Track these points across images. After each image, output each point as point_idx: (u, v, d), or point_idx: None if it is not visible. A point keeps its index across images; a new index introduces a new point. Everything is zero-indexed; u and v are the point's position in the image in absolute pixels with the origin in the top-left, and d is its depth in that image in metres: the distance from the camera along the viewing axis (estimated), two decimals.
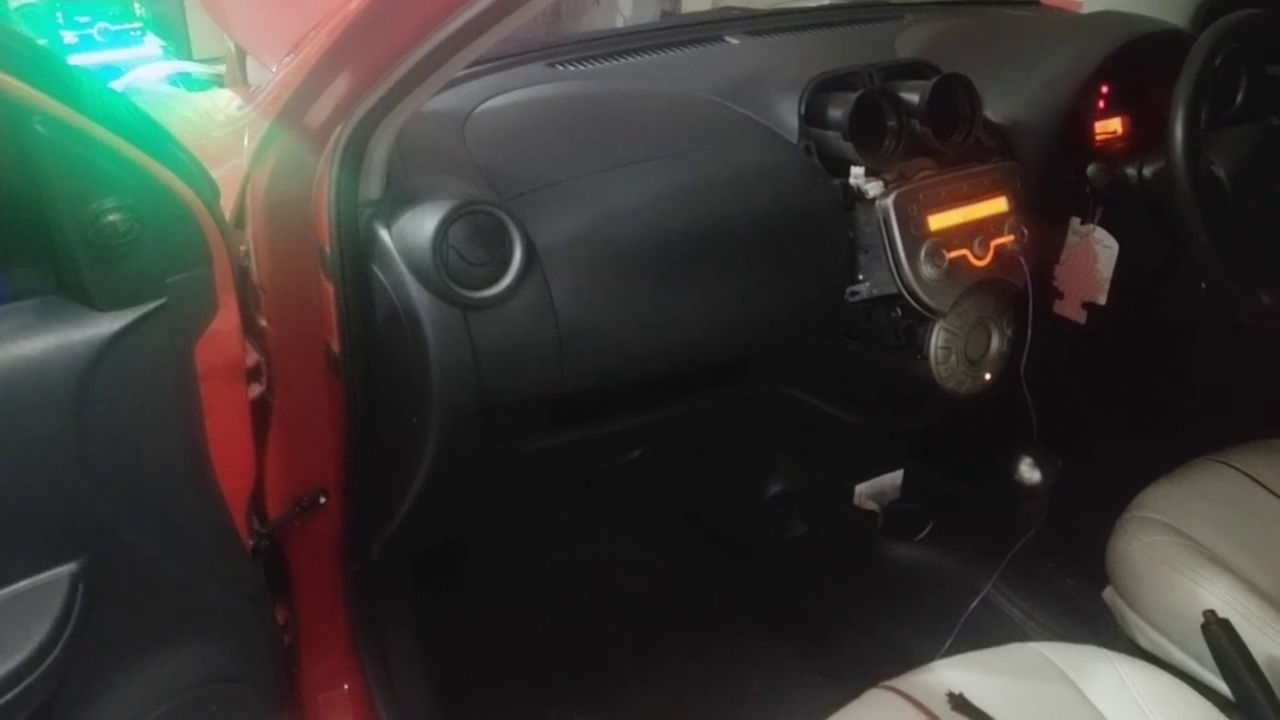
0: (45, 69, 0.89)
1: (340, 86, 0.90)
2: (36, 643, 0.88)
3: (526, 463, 1.14)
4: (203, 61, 1.37)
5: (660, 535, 1.74)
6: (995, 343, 1.24)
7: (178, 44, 1.39)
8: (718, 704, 1.47)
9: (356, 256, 0.98)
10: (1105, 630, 1.35)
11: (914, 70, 1.26)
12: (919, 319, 1.19)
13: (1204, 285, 1.29)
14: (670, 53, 1.38)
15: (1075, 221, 1.35)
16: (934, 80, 1.17)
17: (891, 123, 1.17)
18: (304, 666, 1.22)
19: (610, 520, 1.70)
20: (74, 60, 1.10)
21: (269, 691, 1.08)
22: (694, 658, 1.52)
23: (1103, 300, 1.34)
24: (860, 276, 1.18)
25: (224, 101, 1.25)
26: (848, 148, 1.15)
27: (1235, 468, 1.30)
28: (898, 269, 1.15)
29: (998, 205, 1.21)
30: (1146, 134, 1.36)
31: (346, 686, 1.23)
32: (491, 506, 1.26)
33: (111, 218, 0.88)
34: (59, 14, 1.47)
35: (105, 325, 0.90)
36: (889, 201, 1.15)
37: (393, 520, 1.13)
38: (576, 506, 1.60)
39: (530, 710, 1.45)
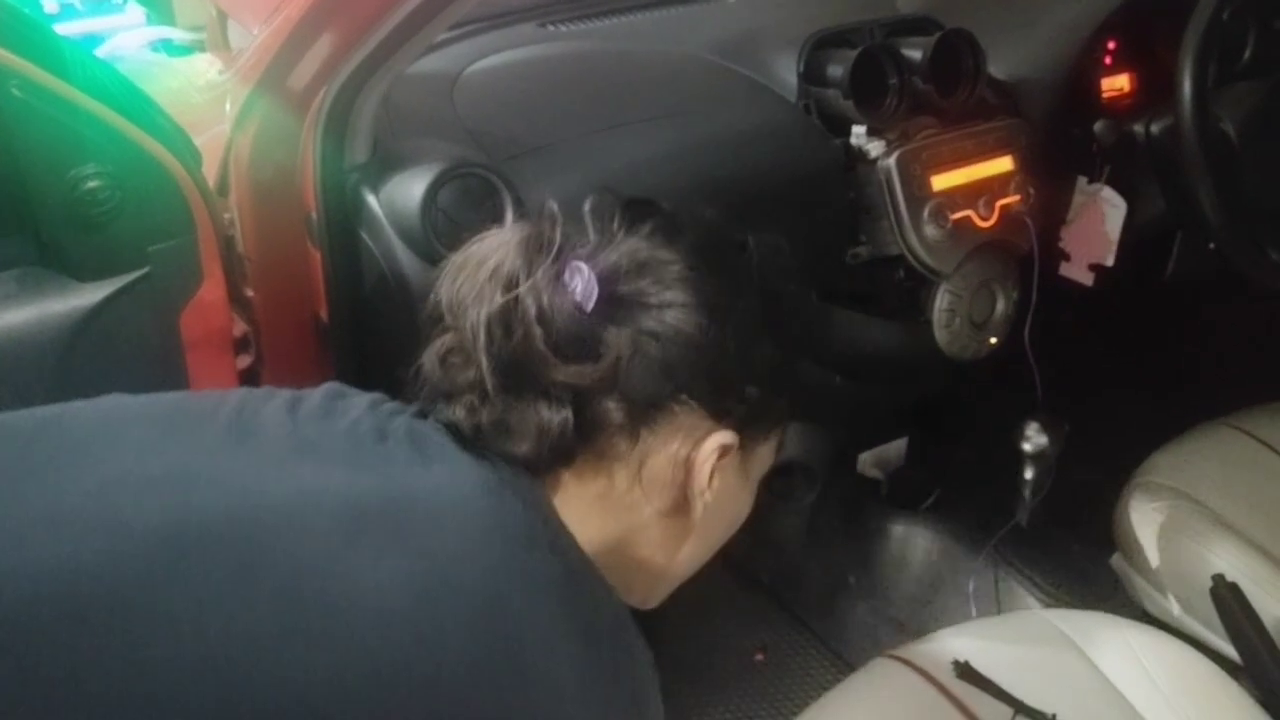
0: (22, 33, 0.87)
1: (323, 48, 0.88)
2: None
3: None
4: (186, 29, 1.34)
5: None
6: (1000, 306, 1.22)
7: (160, 11, 1.36)
8: (722, 675, 1.46)
9: (343, 222, 0.96)
10: (1113, 596, 1.34)
11: (916, 26, 1.23)
12: (922, 281, 1.17)
13: (1212, 244, 1.27)
14: (664, 10, 1.35)
15: (1082, 181, 1.32)
16: (937, 36, 1.14)
17: (893, 80, 1.15)
18: None
19: None
20: (56, 29, 1.07)
21: None
22: (697, 628, 1.51)
23: (1110, 261, 1.32)
24: (861, 238, 1.16)
25: (206, 66, 1.22)
26: (848, 106, 1.13)
27: (1243, 430, 1.28)
28: (900, 230, 1.13)
29: (1003, 164, 1.19)
30: (1154, 90, 1.33)
31: None
32: None
33: (91, 185, 0.87)
34: None
35: (88, 296, 0.89)
36: (891, 161, 1.12)
37: None
38: None
39: None
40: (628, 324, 0.62)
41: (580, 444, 0.63)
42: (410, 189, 0.93)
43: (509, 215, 0.95)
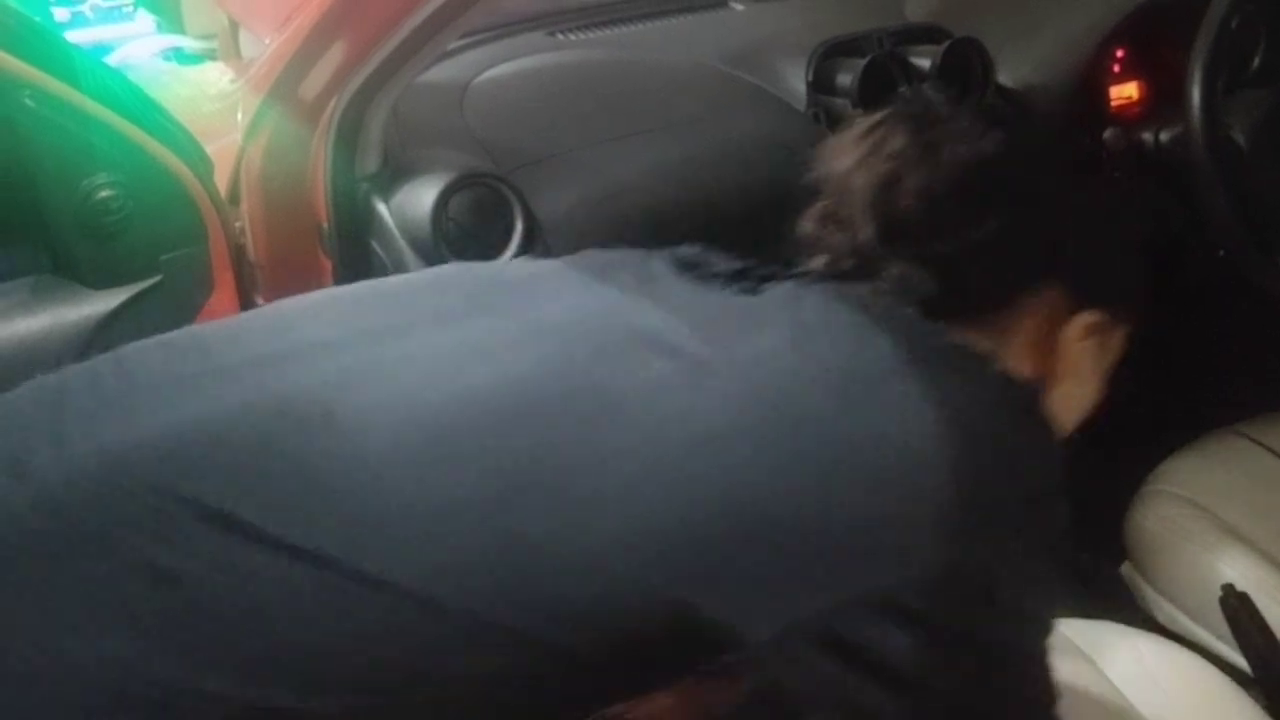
0: (34, 44, 0.87)
1: (334, 57, 0.88)
2: None
3: None
4: (196, 38, 1.35)
5: None
6: None
7: (170, 20, 1.37)
8: None
9: (355, 232, 0.96)
10: (1123, 606, 1.34)
11: (925, 34, 1.23)
12: None
13: (1222, 252, 1.26)
14: (673, 19, 1.35)
15: None
16: (945, 44, 1.14)
17: (902, 88, 1.15)
18: None
19: None
20: (67, 38, 1.08)
21: None
22: None
23: None
24: None
25: (217, 75, 1.23)
26: (857, 114, 1.12)
27: (1254, 439, 1.27)
28: None
29: None
30: (1163, 98, 1.33)
31: None
32: None
33: (103, 194, 0.87)
34: None
35: (100, 304, 0.89)
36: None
37: None
38: None
39: None
40: (1001, 203, 0.65)
41: (947, 312, 0.64)
42: (421, 199, 0.93)
43: (519, 225, 0.96)
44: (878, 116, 0.70)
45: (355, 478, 0.54)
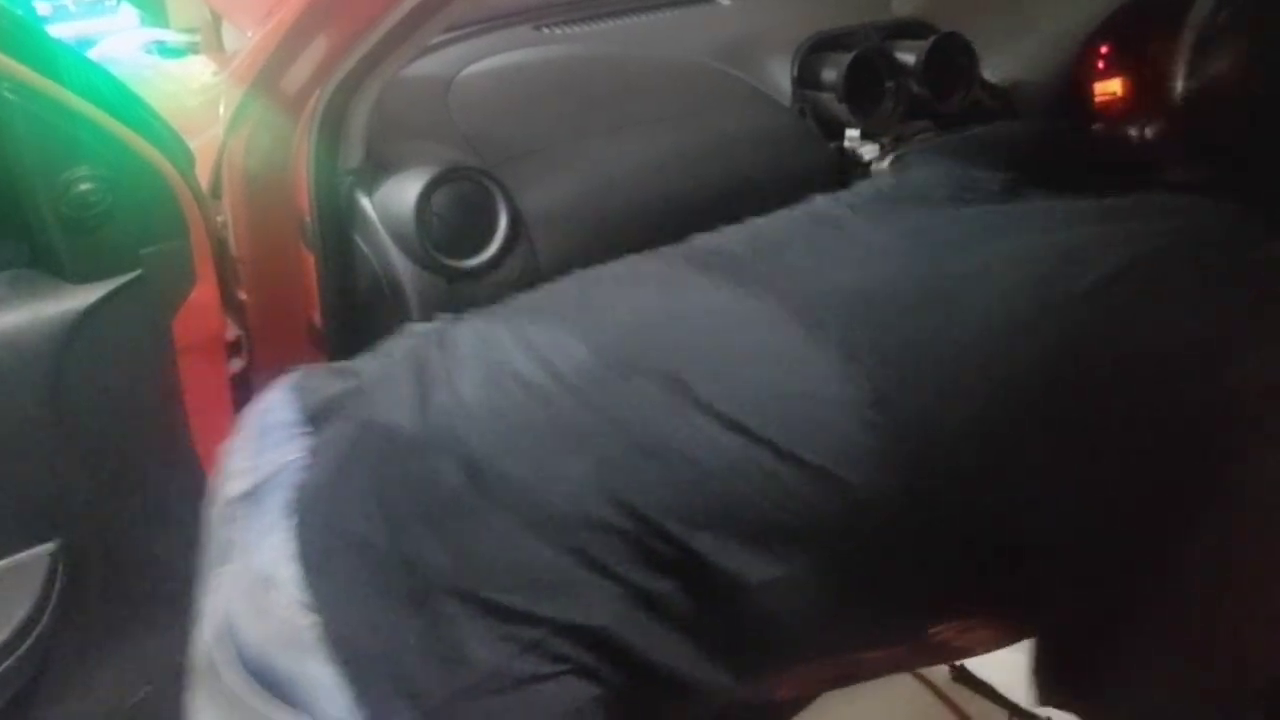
0: (16, 37, 0.86)
1: (317, 50, 0.87)
2: (15, 623, 0.86)
3: None
4: (180, 31, 1.34)
5: None
6: None
7: (154, 13, 1.36)
8: None
9: (337, 226, 0.96)
10: None
11: (911, 29, 1.23)
12: None
13: None
14: (659, 14, 1.35)
15: None
16: (931, 40, 1.14)
17: (888, 84, 1.15)
18: None
19: None
20: (49, 31, 1.07)
21: None
22: None
23: None
24: None
25: (200, 69, 1.22)
26: (843, 110, 1.13)
27: None
28: None
29: None
30: (1148, 95, 1.33)
31: None
32: None
33: (83, 187, 0.86)
34: None
35: (80, 298, 0.88)
36: (885, 165, 1.12)
37: None
38: None
39: None
40: None
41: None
42: (404, 193, 0.93)
43: (503, 220, 0.95)
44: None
45: None
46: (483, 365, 0.67)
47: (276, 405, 0.70)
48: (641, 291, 0.73)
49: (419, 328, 0.75)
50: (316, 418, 0.68)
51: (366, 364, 0.72)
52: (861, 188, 0.84)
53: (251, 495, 0.66)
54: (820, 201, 0.82)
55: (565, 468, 0.61)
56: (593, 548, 0.59)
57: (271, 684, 0.59)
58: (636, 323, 0.69)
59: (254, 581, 0.62)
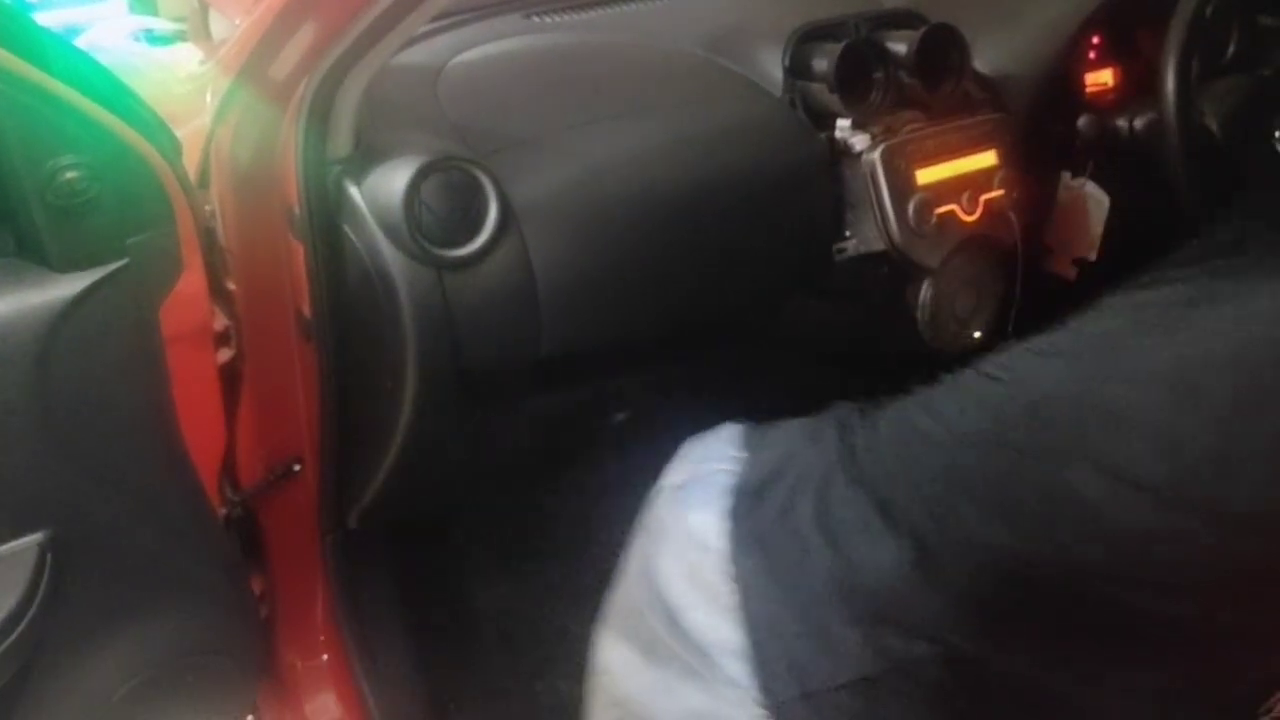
0: (2, 24, 0.85)
1: (305, 38, 0.87)
2: (3, 614, 0.86)
3: (506, 428, 1.12)
4: (169, 19, 1.33)
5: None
6: (984, 301, 1.22)
7: (141, 1, 1.35)
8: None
9: (326, 216, 0.95)
10: None
11: (901, 20, 1.22)
12: (906, 276, 1.17)
13: (1195, 239, 1.27)
14: (650, 3, 1.34)
15: (1065, 176, 1.32)
16: (922, 30, 1.14)
17: (878, 74, 1.14)
18: (282, 637, 1.21)
19: (614, 482, 1.67)
20: (36, 18, 1.06)
21: (246, 662, 1.07)
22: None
23: (1094, 256, 1.32)
24: (847, 233, 1.16)
25: (187, 57, 1.21)
26: (833, 100, 1.13)
27: None
28: (885, 225, 1.13)
29: (987, 159, 1.19)
30: (1137, 85, 1.34)
31: (325, 657, 1.22)
32: (472, 473, 1.24)
33: (69, 175, 0.86)
34: None
35: (65, 287, 0.87)
36: (875, 155, 1.12)
37: (369, 488, 1.10)
38: (575, 470, 1.57)
39: (515, 681, 1.44)
40: None
41: None
42: (393, 182, 0.92)
43: (492, 210, 0.95)
44: None
45: None
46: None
47: (724, 432, 0.84)
48: None
49: None
50: (751, 444, 0.82)
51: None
52: None
53: (689, 484, 0.80)
54: None
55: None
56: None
57: (683, 633, 0.70)
58: None
59: (687, 545, 0.74)
